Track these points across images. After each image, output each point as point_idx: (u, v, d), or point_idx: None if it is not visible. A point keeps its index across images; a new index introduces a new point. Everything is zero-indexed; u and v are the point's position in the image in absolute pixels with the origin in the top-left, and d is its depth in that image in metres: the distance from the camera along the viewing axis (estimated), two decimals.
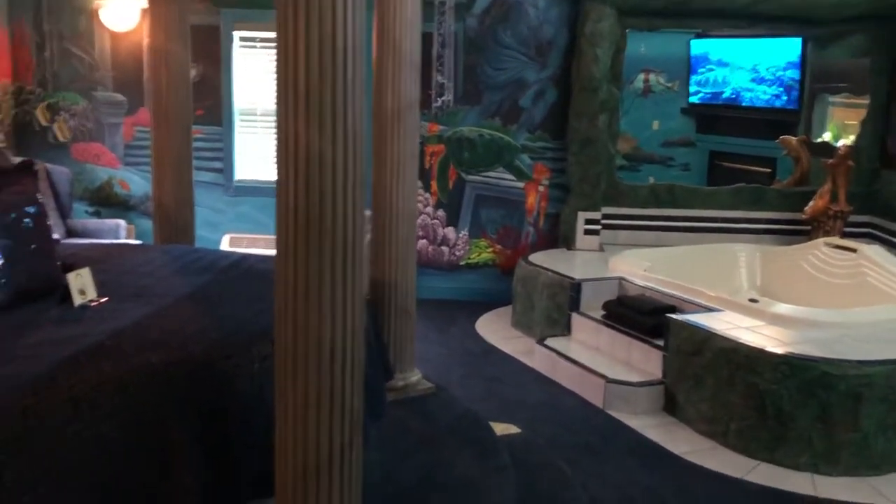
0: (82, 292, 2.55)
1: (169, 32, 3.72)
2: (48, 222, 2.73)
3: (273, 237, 5.21)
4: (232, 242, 5.81)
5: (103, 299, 2.58)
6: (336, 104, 1.64)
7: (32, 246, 2.57)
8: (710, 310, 4.18)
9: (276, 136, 1.71)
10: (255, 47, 5.90)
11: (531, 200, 6.03)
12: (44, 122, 6.00)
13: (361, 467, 1.80)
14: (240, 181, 6.03)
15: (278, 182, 1.72)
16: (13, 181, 2.77)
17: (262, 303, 2.56)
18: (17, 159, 4.76)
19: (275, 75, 1.68)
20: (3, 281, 2.42)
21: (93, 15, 5.84)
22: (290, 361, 1.72)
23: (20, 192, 2.67)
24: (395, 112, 3.11)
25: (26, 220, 2.57)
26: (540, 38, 5.88)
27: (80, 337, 2.14)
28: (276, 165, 1.73)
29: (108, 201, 6.05)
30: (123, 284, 2.77)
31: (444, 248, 6.07)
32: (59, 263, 2.70)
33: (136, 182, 6.06)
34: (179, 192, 3.87)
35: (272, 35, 5.80)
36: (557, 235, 5.97)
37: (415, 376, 3.32)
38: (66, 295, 2.53)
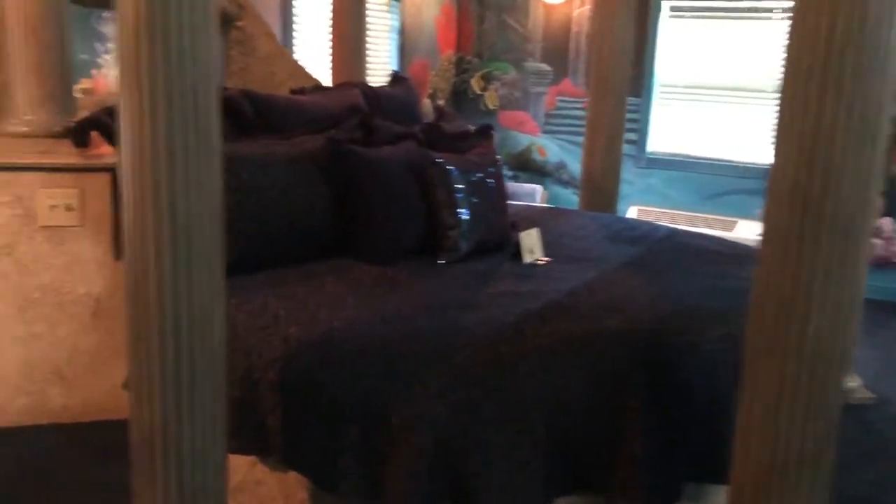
0: (531, 251, 2.71)
1: (616, 2, 3.75)
2: (503, 182, 2.94)
3: (681, 213, 5.06)
4: (639, 215, 5.81)
5: (548, 259, 2.72)
6: (863, 71, 1.47)
7: (492, 204, 2.79)
8: None
9: (778, 108, 1.60)
10: (683, 17, 5.75)
11: None
12: (477, 91, 6.54)
13: (831, 469, 1.65)
14: (652, 153, 5.97)
15: (775, 158, 1.61)
16: (476, 144, 3.04)
17: (702, 279, 2.49)
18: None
19: (786, 39, 1.56)
20: (467, 234, 2.66)
21: None
22: (765, 348, 1.62)
23: (483, 153, 2.91)
24: None
25: (489, 180, 2.79)
26: None
27: (537, 293, 2.27)
28: (774, 141, 1.61)
29: (526, 166, 6.42)
30: (563, 246, 2.89)
31: (877, 241, 5.38)
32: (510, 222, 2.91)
33: (553, 150, 6.34)
34: (608, 161, 3.93)
35: (705, 4, 5.60)
36: None
37: (854, 382, 2.99)
38: (516, 251, 2.72)
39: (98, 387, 2.54)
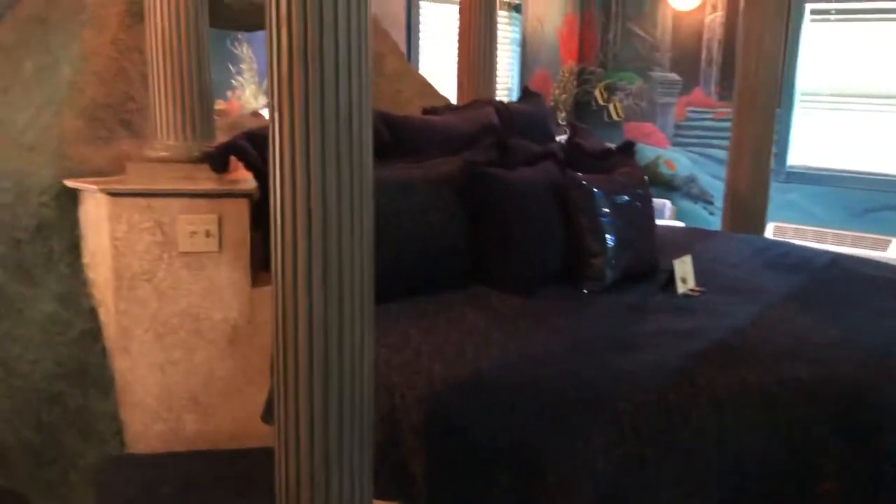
0: (684, 280, 2.50)
1: (765, 9, 3.49)
2: (651, 203, 2.74)
3: (825, 230, 4.67)
4: (776, 232, 5.44)
5: (701, 289, 2.50)
6: None
7: (639, 228, 2.59)
8: None
9: None
10: (827, 20, 5.35)
11: None
12: (601, 102, 6.32)
13: None
14: (793, 167, 5.59)
15: None
16: (621, 162, 2.85)
17: (886, 318, 2.21)
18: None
19: None
20: (613, 261, 2.48)
21: None
22: None
23: (628, 173, 2.72)
24: None
25: (636, 202, 2.60)
26: None
27: (699, 331, 2.07)
28: None
29: (653, 180, 6.13)
30: (715, 274, 2.66)
31: None
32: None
33: (682, 163, 6.04)
34: (754, 178, 3.66)
35: (851, 6, 5.19)
36: None
37: None
38: (666, 280, 2.51)
39: (233, 414, 2.50)
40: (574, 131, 3.32)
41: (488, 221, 2.47)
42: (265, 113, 3.67)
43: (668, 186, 6.07)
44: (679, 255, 2.87)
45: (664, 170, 6.09)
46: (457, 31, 3.81)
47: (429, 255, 2.40)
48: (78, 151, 2.52)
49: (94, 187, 2.36)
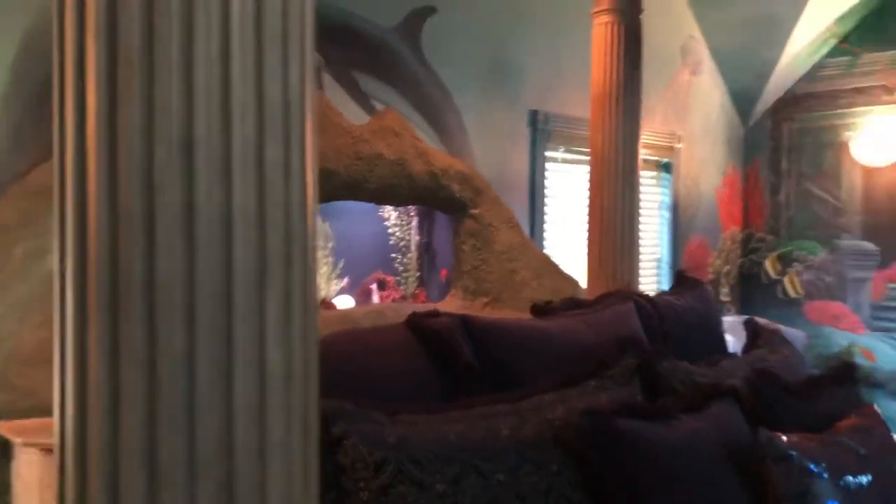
0: None
1: None
2: None
3: None
4: None
5: None
6: None
7: None
8: None
9: None
10: None
11: None
12: (773, 275, 5.21)
13: None
14: None
15: None
16: (838, 400, 1.79)
17: None
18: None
19: None
20: None
21: (841, 149, 4.89)
22: None
23: (862, 426, 1.66)
24: None
25: (887, 485, 1.53)
26: None
27: None
28: None
29: None
30: None
31: None
32: None
33: (885, 353, 4.75)
34: None
35: None
36: None
37: None
38: None
39: None
40: (754, 338, 2.30)
41: None
42: (339, 302, 2.90)
43: (867, 383, 4.75)
44: None
45: (861, 361, 4.80)
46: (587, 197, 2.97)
47: None
48: (26, 379, 1.78)
49: (19, 440, 1.59)
